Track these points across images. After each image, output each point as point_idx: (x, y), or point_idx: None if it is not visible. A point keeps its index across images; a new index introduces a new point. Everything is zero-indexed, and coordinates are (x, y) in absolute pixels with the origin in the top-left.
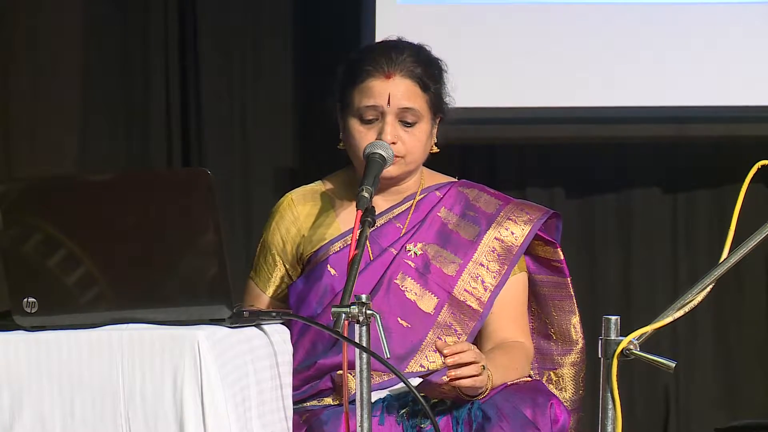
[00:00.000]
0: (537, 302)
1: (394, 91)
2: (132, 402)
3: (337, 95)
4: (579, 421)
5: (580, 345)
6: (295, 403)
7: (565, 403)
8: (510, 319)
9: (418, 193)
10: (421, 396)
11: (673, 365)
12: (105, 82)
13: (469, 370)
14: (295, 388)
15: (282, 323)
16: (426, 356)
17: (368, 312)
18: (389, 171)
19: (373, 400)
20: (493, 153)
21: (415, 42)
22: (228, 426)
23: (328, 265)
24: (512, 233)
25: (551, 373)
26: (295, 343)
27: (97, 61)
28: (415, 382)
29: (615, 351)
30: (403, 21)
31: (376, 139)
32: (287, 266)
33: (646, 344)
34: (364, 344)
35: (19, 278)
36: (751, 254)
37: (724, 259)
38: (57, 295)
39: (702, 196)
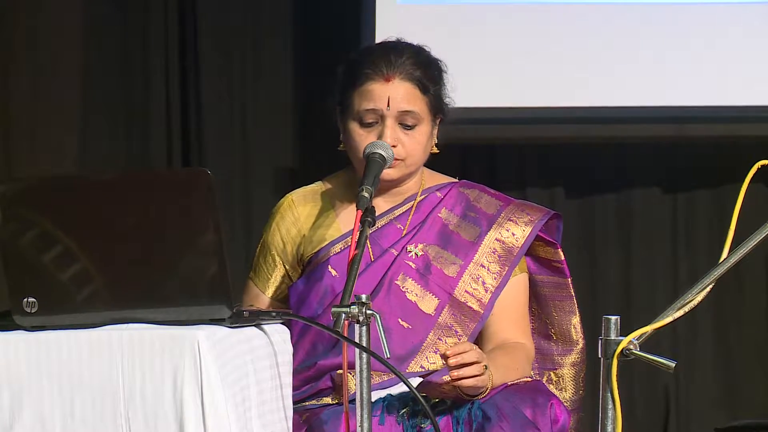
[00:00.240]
0: (537, 302)
1: (393, 94)
2: (132, 402)
3: (337, 98)
4: (579, 421)
5: (581, 345)
6: (294, 402)
7: (565, 403)
8: (511, 320)
9: (419, 193)
10: (421, 396)
11: (673, 365)
12: (105, 82)
13: (472, 370)
14: (295, 389)
15: (282, 323)
16: (426, 357)
17: (368, 312)
18: (389, 174)
19: (373, 400)
20: (493, 153)
21: (415, 43)
22: (228, 426)
23: (329, 266)
24: (513, 234)
25: (551, 373)
26: (296, 344)
27: (97, 61)
28: (415, 382)
29: (615, 351)
30: (403, 21)
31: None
32: (287, 267)
33: (646, 344)
34: (364, 344)
35: (19, 278)
36: (751, 254)
37: (724, 259)
38: (57, 295)
39: (702, 196)
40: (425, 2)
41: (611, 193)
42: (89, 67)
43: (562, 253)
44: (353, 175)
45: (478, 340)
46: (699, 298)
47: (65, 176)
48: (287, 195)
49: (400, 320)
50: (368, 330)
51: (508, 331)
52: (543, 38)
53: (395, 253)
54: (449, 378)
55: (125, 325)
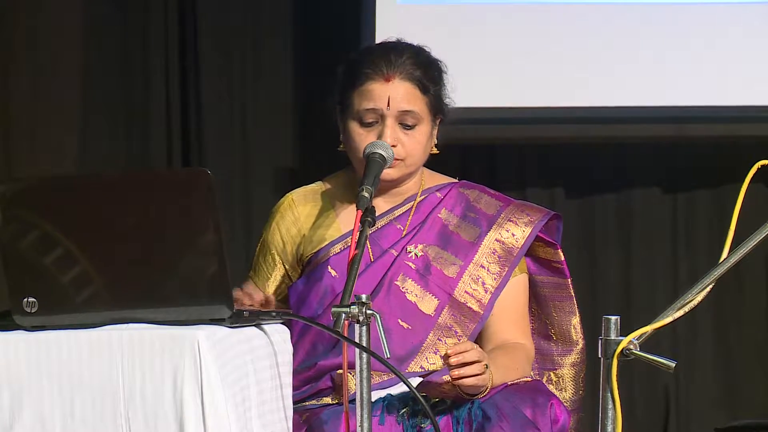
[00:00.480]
0: (537, 303)
1: (393, 94)
2: (132, 402)
3: (337, 97)
4: (579, 421)
5: (581, 345)
6: (294, 402)
7: (565, 404)
8: (511, 320)
9: (419, 194)
10: (421, 395)
11: (673, 365)
12: (105, 82)
13: (472, 369)
14: (295, 389)
15: (282, 323)
16: (426, 358)
17: (368, 312)
18: (389, 174)
19: (373, 400)
20: (493, 153)
21: (415, 43)
22: (228, 426)
23: (329, 267)
24: (513, 235)
25: (551, 373)
26: (296, 344)
27: (97, 61)
28: (415, 382)
29: (615, 351)
30: (403, 21)
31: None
32: (287, 266)
33: (646, 344)
34: (364, 344)
35: (19, 278)
36: (751, 254)
37: (724, 259)
38: (57, 294)
39: (702, 196)
40: (425, 2)
41: (611, 193)
42: (89, 67)
43: (562, 254)
44: (353, 175)
45: (478, 340)
46: (699, 298)
47: (65, 176)
48: (287, 194)
49: (399, 321)
50: (368, 330)
51: (508, 331)
52: (543, 38)
53: (395, 253)
54: (449, 378)
55: (125, 325)
